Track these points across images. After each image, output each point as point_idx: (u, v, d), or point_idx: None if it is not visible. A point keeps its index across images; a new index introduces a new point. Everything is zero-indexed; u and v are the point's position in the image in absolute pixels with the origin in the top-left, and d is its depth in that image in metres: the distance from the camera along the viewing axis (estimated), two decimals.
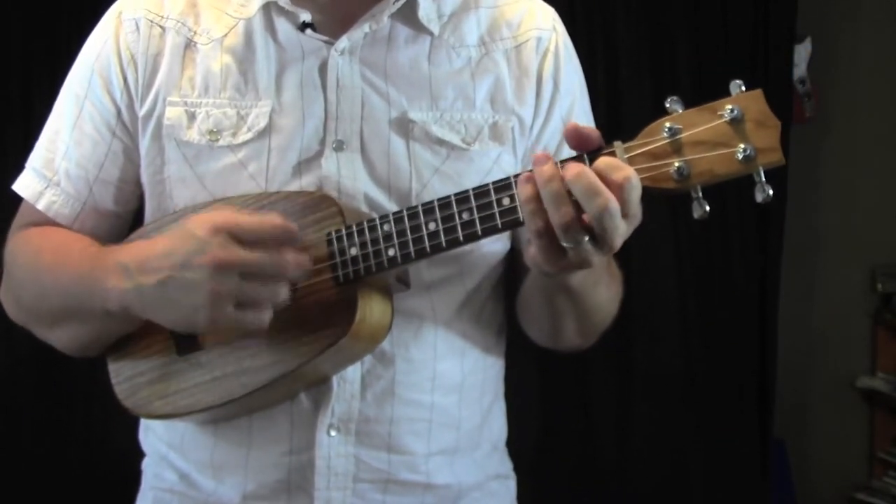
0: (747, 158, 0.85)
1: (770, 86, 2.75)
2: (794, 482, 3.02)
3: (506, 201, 0.92)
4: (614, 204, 0.85)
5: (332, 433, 1.07)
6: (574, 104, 1.16)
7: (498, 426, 1.22)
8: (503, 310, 1.20)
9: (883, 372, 3.06)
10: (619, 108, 2.74)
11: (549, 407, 2.78)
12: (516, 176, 0.91)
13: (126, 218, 1.18)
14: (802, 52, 2.98)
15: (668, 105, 0.89)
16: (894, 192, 3.08)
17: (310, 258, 0.97)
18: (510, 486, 1.24)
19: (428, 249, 0.95)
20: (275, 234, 0.94)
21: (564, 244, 0.87)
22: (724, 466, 2.85)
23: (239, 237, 0.93)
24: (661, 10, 2.82)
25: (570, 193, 0.86)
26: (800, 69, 2.98)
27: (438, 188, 1.07)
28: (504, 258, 1.16)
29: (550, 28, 1.16)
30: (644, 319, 2.76)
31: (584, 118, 1.18)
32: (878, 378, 3.05)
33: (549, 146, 1.14)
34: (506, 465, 1.24)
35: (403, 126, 1.08)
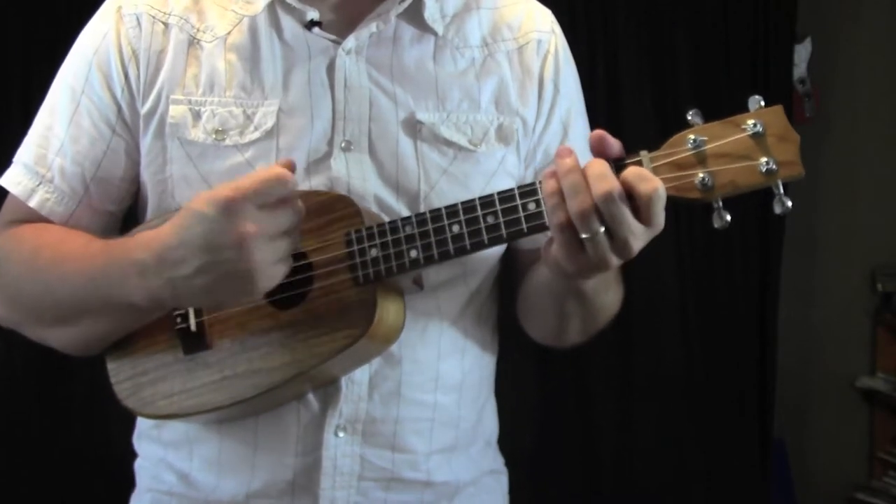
0: (769, 171, 0.89)
1: (770, 86, 2.78)
2: (794, 482, 3.02)
3: (531, 206, 0.93)
4: (619, 190, 0.87)
5: (340, 434, 1.06)
6: (572, 106, 1.18)
7: (490, 423, 1.23)
8: (497, 308, 1.21)
9: (883, 372, 3.06)
10: (620, 108, 2.73)
11: (550, 407, 2.78)
12: (542, 182, 0.92)
13: (120, 216, 1.16)
14: (802, 52, 2.98)
15: (689, 118, 0.91)
16: (894, 192, 3.08)
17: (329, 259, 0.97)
18: (503, 480, 1.25)
19: (452, 252, 0.96)
20: (276, 187, 0.91)
21: (582, 235, 0.88)
22: (724, 466, 2.85)
23: (252, 203, 0.91)
24: (662, 10, 2.82)
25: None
26: (800, 69, 2.99)
27: (446, 189, 1.07)
28: (501, 258, 1.17)
29: (549, 30, 1.17)
30: (645, 319, 2.76)
31: (581, 120, 1.20)
32: (878, 378, 3.06)
33: (549, 147, 1.15)
34: (498, 461, 1.25)
35: (411, 127, 1.08)
